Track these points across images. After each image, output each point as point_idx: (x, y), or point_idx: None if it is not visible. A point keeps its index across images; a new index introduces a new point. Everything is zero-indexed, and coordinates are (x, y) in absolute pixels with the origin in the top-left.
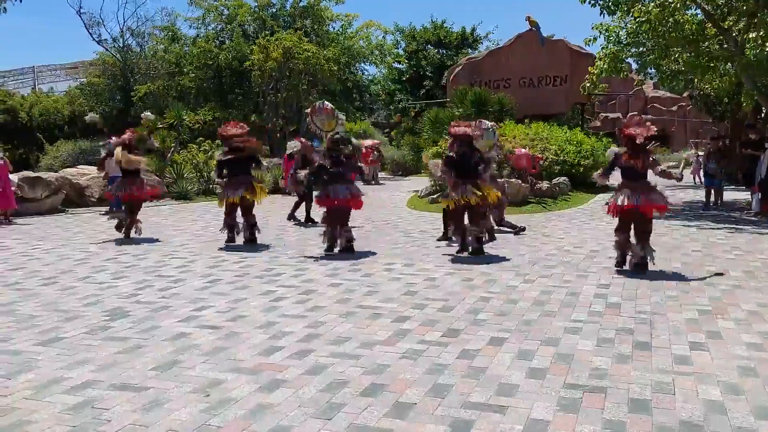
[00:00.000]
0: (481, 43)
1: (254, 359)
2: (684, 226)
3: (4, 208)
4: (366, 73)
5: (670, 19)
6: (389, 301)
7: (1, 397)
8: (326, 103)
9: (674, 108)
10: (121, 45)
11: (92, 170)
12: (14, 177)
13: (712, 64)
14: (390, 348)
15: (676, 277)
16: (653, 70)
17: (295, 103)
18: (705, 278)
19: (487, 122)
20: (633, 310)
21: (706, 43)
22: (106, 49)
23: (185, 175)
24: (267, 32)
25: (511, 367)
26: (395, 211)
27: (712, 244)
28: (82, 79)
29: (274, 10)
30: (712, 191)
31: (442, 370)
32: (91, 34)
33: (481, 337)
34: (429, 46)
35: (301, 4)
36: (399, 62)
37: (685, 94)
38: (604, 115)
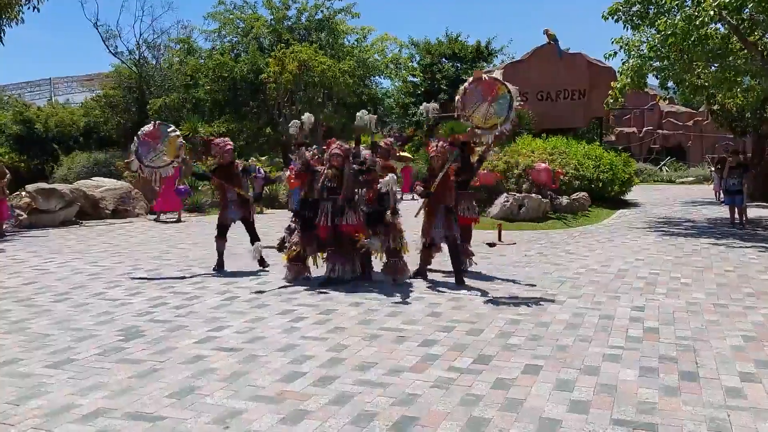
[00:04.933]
0: (496, 56)
1: (275, 386)
2: (712, 244)
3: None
4: (380, 86)
5: (695, 33)
6: (413, 323)
7: (8, 426)
8: (144, 129)
9: (690, 123)
10: (136, 57)
11: (107, 182)
12: (30, 188)
13: (738, 79)
14: (419, 375)
15: (713, 299)
16: (672, 84)
17: None
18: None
19: (500, 80)
20: (673, 336)
21: (731, 57)
22: (122, 62)
23: (199, 188)
24: (283, 45)
25: (551, 399)
26: (409, 225)
27: (744, 264)
28: (97, 91)
29: (290, 23)
30: (735, 209)
31: (477, 401)
32: (107, 46)
33: (515, 365)
34: (444, 59)
35: (316, 17)
36: (414, 75)
37: (701, 109)
38: (619, 129)
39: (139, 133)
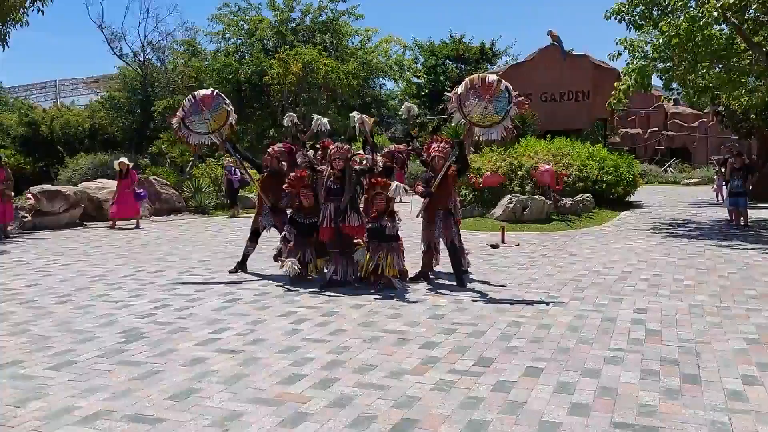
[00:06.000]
0: (500, 57)
1: (275, 388)
2: (716, 246)
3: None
4: (384, 87)
5: (699, 34)
6: (415, 325)
7: (8, 428)
8: (201, 92)
9: (695, 124)
10: (141, 59)
11: (112, 184)
12: (34, 189)
13: (743, 79)
14: (419, 378)
15: (716, 302)
16: (676, 85)
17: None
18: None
19: (496, 79)
20: (676, 338)
21: (735, 58)
22: (127, 64)
23: (203, 189)
24: (287, 47)
25: (552, 401)
26: (412, 227)
27: (748, 266)
28: (102, 93)
29: (294, 24)
30: (738, 211)
31: (477, 404)
32: (112, 48)
33: (516, 367)
34: (448, 60)
35: (320, 19)
36: (417, 77)
37: (706, 110)
38: (624, 130)
39: (196, 93)
